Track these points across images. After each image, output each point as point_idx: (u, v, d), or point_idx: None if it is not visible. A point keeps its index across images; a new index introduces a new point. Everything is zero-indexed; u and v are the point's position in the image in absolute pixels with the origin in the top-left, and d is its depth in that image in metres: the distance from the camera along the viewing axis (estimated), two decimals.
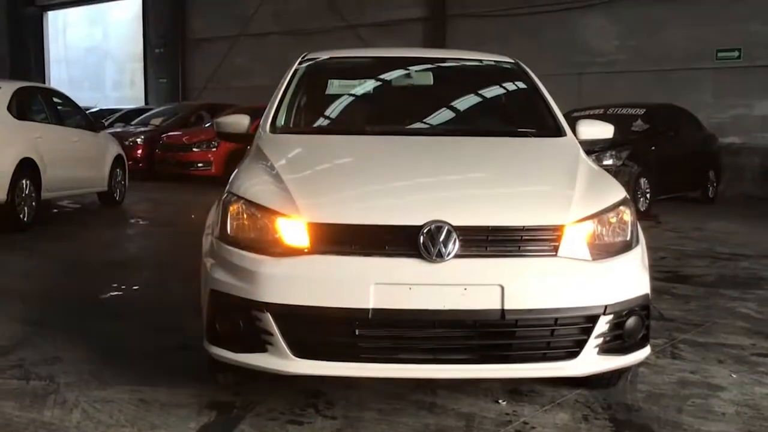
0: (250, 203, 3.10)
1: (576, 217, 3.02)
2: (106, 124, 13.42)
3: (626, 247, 3.15)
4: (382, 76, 4.54)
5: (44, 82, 25.17)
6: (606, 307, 2.95)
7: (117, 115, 17.99)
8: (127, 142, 14.54)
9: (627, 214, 3.19)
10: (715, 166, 12.90)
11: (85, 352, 4.09)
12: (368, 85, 4.39)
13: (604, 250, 3.09)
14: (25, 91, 9.07)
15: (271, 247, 2.98)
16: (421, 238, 2.85)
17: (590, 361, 2.99)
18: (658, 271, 6.55)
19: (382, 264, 2.86)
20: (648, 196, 10.71)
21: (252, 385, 3.46)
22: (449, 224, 2.87)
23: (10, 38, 25.56)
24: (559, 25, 15.53)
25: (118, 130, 15.76)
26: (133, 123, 17.16)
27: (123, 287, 5.74)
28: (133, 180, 12.04)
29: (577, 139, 4.07)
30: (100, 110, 18.58)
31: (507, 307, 2.84)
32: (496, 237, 2.92)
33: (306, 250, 2.92)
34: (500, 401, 3.43)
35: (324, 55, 4.65)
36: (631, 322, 3.06)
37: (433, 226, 2.86)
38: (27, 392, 3.49)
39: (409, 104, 4.34)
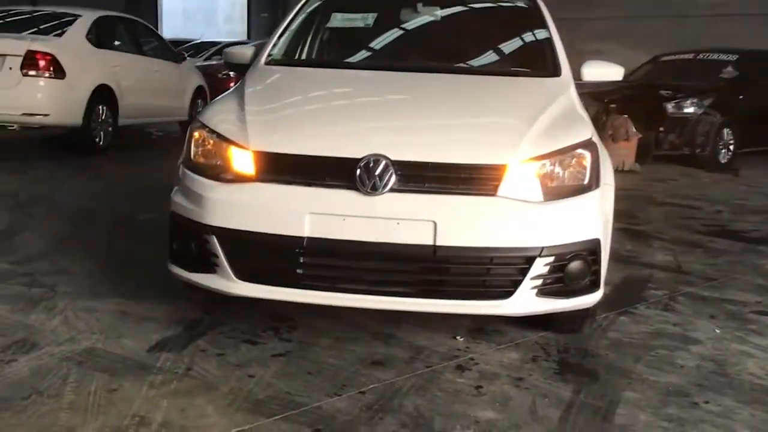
0: (210, 131, 3.23)
1: (524, 156, 2.99)
2: (195, 56, 13.81)
3: (581, 190, 3.08)
4: (387, 11, 4.52)
5: (156, 14, 26.05)
6: (542, 248, 2.93)
7: (215, 48, 18.44)
8: (220, 75, 14.94)
9: (586, 157, 3.12)
10: None
11: (95, 266, 4.37)
12: (370, 19, 4.39)
13: (556, 192, 3.05)
14: (105, 20, 9.47)
15: (223, 174, 3.11)
16: (358, 170, 2.90)
17: (527, 302, 2.99)
18: (704, 224, 6.36)
19: (318, 194, 2.94)
20: (731, 147, 10.19)
21: (226, 306, 3.63)
22: (387, 158, 2.91)
23: None
24: None
25: (213, 63, 16.19)
26: None
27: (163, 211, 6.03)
28: None
29: (582, 80, 3.97)
30: (202, 42, 19.07)
31: (439, 243, 2.87)
32: (434, 173, 2.93)
33: (251, 178, 3.03)
34: (458, 337, 3.48)
35: None
36: (574, 265, 3.03)
37: (371, 160, 2.91)
38: (25, 297, 3.79)
39: (409, 40, 4.33)
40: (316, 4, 4.56)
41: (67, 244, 4.83)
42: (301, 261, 2.97)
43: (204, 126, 3.27)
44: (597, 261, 3.10)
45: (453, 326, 3.57)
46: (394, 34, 4.39)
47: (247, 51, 4.22)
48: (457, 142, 3.08)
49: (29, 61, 8.02)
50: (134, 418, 2.62)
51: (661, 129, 9.85)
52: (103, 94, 8.84)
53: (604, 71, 4.05)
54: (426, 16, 4.46)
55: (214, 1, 29.13)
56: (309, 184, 2.96)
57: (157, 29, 25.13)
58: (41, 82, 8.14)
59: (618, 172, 8.98)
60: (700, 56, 11.09)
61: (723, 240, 5.81)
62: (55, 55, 8.18)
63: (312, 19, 4.49)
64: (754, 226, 6.45)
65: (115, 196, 6.65)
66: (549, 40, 4.10)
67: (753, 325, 3.85)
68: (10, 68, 7.97)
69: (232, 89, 3.74)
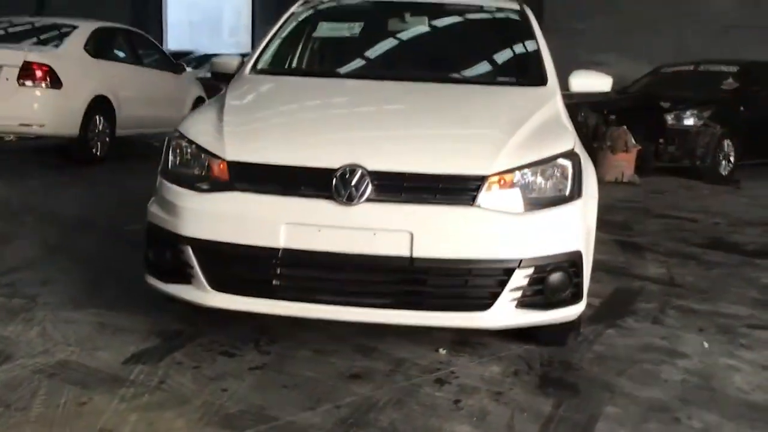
0: (187, 140, 3.20)
1: (503, 167, 2.94)
2: (198, 67, 13.84)
3: (562, 201, 3.03)
4: (375, 21, 4.49)
5: (161, 26, 26.14)
6: (521, 260, 2.88)
7: None
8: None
9: (568, 168, 3.07)
10: None
11: (80, 276, 4.34)
12: (357, 29, 4.36)
13: (536, 203, 3.00)
14: (103, 31, 9.48)
15: (199, 184, 3.08)
16: (334, 180, 2.86)
17: (506, 314, 2.94)
18: (701, 237, 6.29)
19: (294, 204, 2.90)
20: (732, 159, 10.11)
21: (207, 317, 3.58)
22: (364, 168, 2.87)
23: None
24: None
25: None
26: None
27: None
28: None
29: (570, 90, 3.93)
30: (205, 54, 19.12)
31: (416, 254, 2.82)
32: (411, 184, 2.89)
33: (227, 188, 2.99)
34: (440, 350, 3.43)
35: None
36: (554, 277, 2.98)
37: (347, 170, 2.86)
38: (4, 308, 3.75)
39: (395, 49, 4.30)
40: (305, 14, 4.54)
41: (54, 254, 4.80)
42: (277, 272, 2.92)
43: (182, 135, 3.23)
44: (578, 273, 3.04)
45: (437, 339, 3.52)
46: (380, 43, 4.35)
47: (233, 61, 4.19)
48: (434, 152, 3.03)
49: (26, 72, 8.02)
50: (101, 431, 2.58)
51: (661, 140, 9.79)
52: (100, 105, 8.83)
53: (591, 81, 4.01)
54: (413, 25, 4.42)
55: (219, 14, 29.19)
56: (285, 194, 2.92)
57: (161, 41, 25.32)
58: (38, 92, 8.14)
59: (617, 183, 9.04)
60: (701, 68, 11.04)
61: (718, 252, 5.73)
62: (52, 65, 8.18)
63: (300, 29, 4.46)
64: (751, 238, 6.38)
65: (108, 207, 6.61)
66: (536, 50, 4.06)
67: (743, 339, 3.78)
68: (7, 79, 7.97)
69: (213, 99, 3.71)
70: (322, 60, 4.49)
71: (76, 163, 8.67)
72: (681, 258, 5.47)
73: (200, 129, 3.25)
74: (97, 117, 8.82)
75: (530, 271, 2.91)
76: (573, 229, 3.03)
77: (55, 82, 8.19)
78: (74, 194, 7.13)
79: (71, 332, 3.48)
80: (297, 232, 2.87)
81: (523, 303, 2.96)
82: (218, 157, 3.04)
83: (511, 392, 3.04)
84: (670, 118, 9.83)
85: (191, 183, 3.09)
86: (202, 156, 3.10)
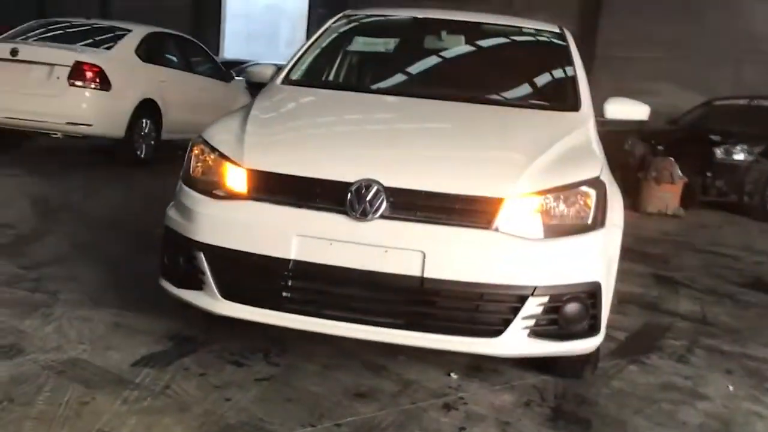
0: (209, 147, 3.19)
1: (523, 190, 2.87)
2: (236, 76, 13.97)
3: (582, 229, 2.94)
4: (412, 38, 4.46)
5: (219, 35, 26.56)
6: (535, 288, 2.80)
7: None
8: None
9: (591, 195, 2.98)
10: None
11: (104, 275, 4.37)
12: (391, 45, 4.34)
13: (556, 230, 2.91)
14: (155, 36, 9.62)
15: (216, 190, 3.07)
16: (349, 195, 2.82)
17: (518, 342, 2.86)
18: (740, 275, 6.11)
19: (307, 216, 2.86)
20: None
21: (222, 324, 3.56)
22: (380, 184, 2.82)
23: None
24: (721, 5, 14.43)
25: None
26: None
27: None
28: None
29: (604, 117, 3.85)
30: (256, 64, 19.30)
31: (427, 275, 2.76)
32: (427, 203, 2.83)
33: (243, 196, 2.98)
34: (452, 374, 3.36)
35: (363, 12, 4.63)
36: (570, 308, 2.88)
37: (363, 184, 2.83)
38: (26, 303, 3.79)
39: (428, 67, 4.25)
40: (343, 28, 4.53)
41: (83, 252, 4.85)
42: (286, 284, 2.89)
43: (204, 141, 3.23)
44: (596, 304, 2.94)
45: (450, 362, 3.45)
46: (414, 60, 4.31)
47: (267, 70, 4.20)
48: (453, 172, 2.97)
49: (76, 72, 8.16)
50: None
51: (709, 174, 9.56)
52: (147, 108, 8.96)
53: (627, 109, 3.93)
54: (450, 44, 4.37)
55: (276, 27, 29.59)
56: (299, 206, 2.89)
57: (218, 50, 25.71)
58: (87, 92, 8.27)
59: (660, 215, 8.83)
60: (755, 102, 10.77)
61: (757, 293, 5.55)
62: (102, 67, 8.32)
63: (337, 42, 4.46)
64: None
65: (143, 208, 6.66)
66: (572, 74, 3.98)
67: None
68: (58, 77, 8.13)
69: (240, 107, 3.71)
70: (355, 74, 4.48)
71: (120, 164, 8.80)
72: (717, 296, 5.30)
73: (223, 136, 3.24)
74: (144, 120, 8.95)
75: (545, 299, 2.83)
76: (593, 258, 2.94)
77: (105, 83, 8.32)
78: (113, 194, 7.22)
79: (86, 330, 3.49)
80: (308, 245, 2.83)
81: (536, 332, 2.87)
82: (237, 165, 3.03)
83: (519, 423, 2.95)
84: (719, 152, 9.60)
85: (209, 189, 3.08)
86: (222, 163, 3.09)
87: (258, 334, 3.47)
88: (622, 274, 5.47)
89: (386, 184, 2.83)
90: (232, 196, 3.01)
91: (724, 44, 14.20)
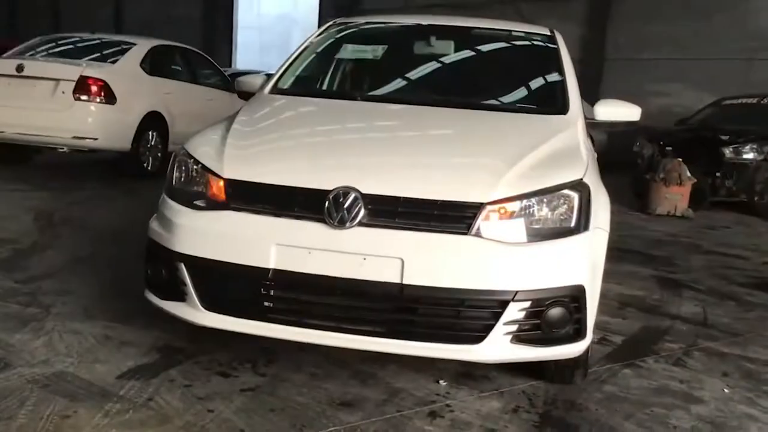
0: (190, 158, 3.19)
1: (501, 195, 2.84)
2: None
3: (565, 233, 2.91)
4: (401, 44, 4.45)
5: (231, 47, 26.72)
6: (516, 292, 2.76)
7: None
8: None
9: (573, 198, 2.94)
10: None
11: (98, 288, 4.38)
12: (380, 51, 4.32)
13: (537, 233, 2.88)
14: (160, 49, 9.69)
15: (196, 201, 3.06)
16: (327, 202, 2.81)
17: (500, 348, 2.82)
18: (746, 276, 6.02)
19: (286, 225, 2.85)
20: None
21: (213, 336, 3.55)
22: (358, 191, 2.81)
23: (205, 3, 27.26)
24: (730, 5, 14.32)
25: None
26: None
27: None
28: None
29: (594, 119, 3.82)
30: (267, 74, 19.36)
31: (406, 281, 2.74)
32: (406, 209, 2.81)
33: (222, 206, 2.97)
34: (441, 381, 3.33)
35: (355, 20, 4.63)
36: (554, 312, 2.84)
37: (340, 192, 2.81)
38: (18, 317, 3.80)
39: (416, 73, 4.23)
40: (332, 35, 4.52)
41: (80, 266, 4.87)
42: (267, 293, 2.88)
43: (186, 153, 3.23)
44: (580, 309, 2.90)
45: (440, 369, 3.43)
46: (402, 67, 4.28)
47: (257, 80, 4.21)
48: (431, 177, 2.95)
49: (81, 86, 8.23)
50: None
51: (718, 174, 9.46)
52: (153, 120, 9.02)
53: (618, 110, 3.89)
54: (439, 49, 4.35)
55: (288, 38, 29.66)
56: (278, 215, 2.88)
57: (230, 62, 25.84)
58: (92, 106, 8.33)
59: (669, 217, 8.75)
60: (765, 101, 10.64)
61: (762, 294, 5.46)
62: (107, 80, 8.38)
63: (327, 50, 4.45)
64: None
65: (146, 221, 6.67)
66: (560, 76, 3.94)
67: None
68: (63, 92, 8.20)
69: (225, 117, 3.70)
70: (343, 82, 4.47)
71: (126, 177, 8.85)
72: (720, 297, 5.23)
73: (204, 147, 3.24)
74: (150, 132, 9.01)
75: (526, 304, 2.79)
76: (576, 262, 2.90)
77: (110, 97, 8.38)
78: (117, 207, 7.25)
79: (76, 343, 3.49)
80: (287, 254, 2.82)
81: (520, 337, 2.83)
82: (216, 175, 3.02)
83: (505, 430, 2.91)
84: (728, 152, 9.50)
85: (189, 200, 3.08)
86: (203, 173, 3.09)
87: (246, 345, 3.45)
88: (625, 277, 5.50)
89: (364, 191, 2.81)
90: (212, 207, 3.00)
91: (734, 44, 14.09)
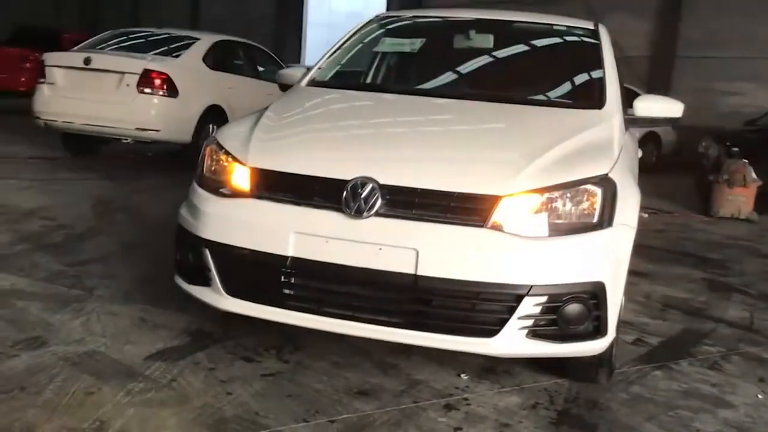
0: (219, 147, 3.26)
1: (520, 188, 2.82)
2: None
3: (586, 228, 2.86)
4: (440, 38, 4.44)
5: (300, 43, 27.06)
6: (531, 287, 2.74)
7: None
8: None
9: (597, 194, 2.90)
10: None
11: (142, 273, 4.51)
12: (417, 45, 4.32)
13: (558, 228, 2.85)
14: (223, 44, 9.89)
15: (222, 189, 3.14)
16: (345, 192, 2.84)
17: (515, 343, 2.80)
18: None
19: (304, 214, 2.89)
20: None
21: (244, 322, 3.61)
22: (376, 181, 2.83)
23: (277, 1, 27.66)
24: None
25: None
26: None
27: None
28: None
29: (633, 115, 3.75)
30: (290, 67, 19.53)
31: (420, 272, 2.75)
32: (422, 200, 2.82)
33: (246, 194, 3.03)
34: (462, 375, 3.32)
35: (400, 14, 4.65)
36: (571, 308, 2.81)
37: (359, 182, 2.84)
38: (61, 297, 3.95)
39: (453, 67, 4.21)
40: (373, 29, 4.55)
41: (130, 251, 5.02)
42: (285, 281, 2.92)
43: (216, 142, 3.31)
44: (600, 306, 2.85)
45: (463, 363, 3.42)
46: (439, 60, 4.29)
47: (297, 72, 4.27)
48: (448, 170, 2.94)
49: (145, 79, 8.47)
50: (95, 422, 2.66)
51: None
52: (214, 113, 9.21)
53: (659, 106, 3.79)
54: (479, 43, 4.32)
55: None
56: (297, 203, 2.92)
57: (300, 58, 26.15)
58: (155, 99, 8.58)
59: (733, 219, 8.48)
60: None
61: None
62: (170, 74, 8.61)
63: (367, 43, 4.48)
64: None
65: None
66: (599, 70, 3.88)
67: None
68: (128, 85, 8.46)
69: (259, 109, 3.77)
70: (380, 75, 4.49)
71: (187, 168, 9.04)
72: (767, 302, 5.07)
73: (233, 136, 3.31)
74: (211, 125, 9.18)
75: (542, 299, 2.76)
76: (596, 258, 2.85)
77: (172, 90, 8.61)
78: (173, 197, 7.33)
79: (111, 325, 3.61)
80: (305, 242, 2.86)
81: (535, 332, 2.81)
82: (242, 164, 3.09)
83: (519, 425, 2.90)
84: None
85: (216, 188, 3.16)
86: (230, 162, 3.16)
87: (274, 331, 3.52)
88: (673, 279, 5.38)
89: (382, 181, 2.83)
90: (236, 195, 3.07)
91: None
